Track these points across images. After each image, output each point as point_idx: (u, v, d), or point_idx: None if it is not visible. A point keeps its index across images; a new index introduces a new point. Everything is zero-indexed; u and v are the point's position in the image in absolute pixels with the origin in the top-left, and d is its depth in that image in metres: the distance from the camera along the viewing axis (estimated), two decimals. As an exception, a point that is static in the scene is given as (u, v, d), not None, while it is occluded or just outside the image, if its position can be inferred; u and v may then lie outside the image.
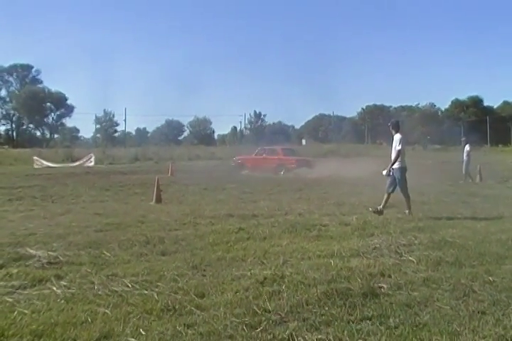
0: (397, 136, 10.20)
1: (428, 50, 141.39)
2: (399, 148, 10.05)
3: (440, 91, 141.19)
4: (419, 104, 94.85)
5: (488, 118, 73.92)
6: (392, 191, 10.21)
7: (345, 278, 5.34)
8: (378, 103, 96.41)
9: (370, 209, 9.95)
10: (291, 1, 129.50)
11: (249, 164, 27.49)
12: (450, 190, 15.64)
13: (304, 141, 64.38)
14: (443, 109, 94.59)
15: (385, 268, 5.75)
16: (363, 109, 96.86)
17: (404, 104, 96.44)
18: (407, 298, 4.68)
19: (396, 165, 10.15)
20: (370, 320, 4.16)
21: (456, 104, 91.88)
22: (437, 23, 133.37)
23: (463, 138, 23.47)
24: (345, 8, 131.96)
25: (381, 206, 9.96)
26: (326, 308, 4.42)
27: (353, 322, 4.09)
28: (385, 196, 10.11)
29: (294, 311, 4.35)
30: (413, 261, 6.05)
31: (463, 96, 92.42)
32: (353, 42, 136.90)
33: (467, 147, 20.23)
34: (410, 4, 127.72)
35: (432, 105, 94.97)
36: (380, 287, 5.03)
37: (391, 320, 4.14)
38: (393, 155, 10.16)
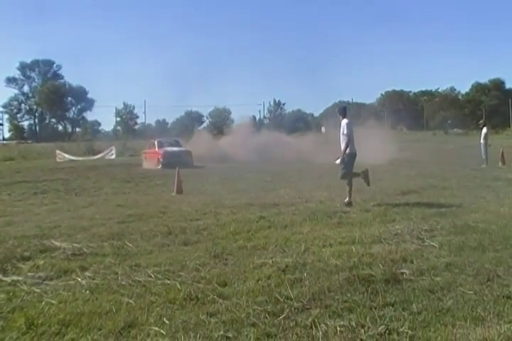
0: (343, 122, 9.87)
1: (447, 33, 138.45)
2: (345, 133, 9.72)
3: (460, 74, 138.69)
4: (439, 88, 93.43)
5: (510, 101, 72.43)
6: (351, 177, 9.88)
7: (367, 264, 5.33)
8: (397, 88, 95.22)
9: (339, 205, 9.55)
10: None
11: (144, 157, 26.30)
12: (472, 174, 15.41)
13: (323, 129, 63.89)
14: (463, 93, 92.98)
15: (407, 253, 5.72)
16: (382, 94, 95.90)
17: (424, 89, 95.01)
18: (429, 284, 4.65)
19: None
20: (392, 306, 4.15)
21: (477, 87, 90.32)
22: (458, 4, 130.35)
23: (480, 122, 23.05)
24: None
25: (348, 198, 9.62)
26: (348, 295, 4.42)
27: (375, 308, 4.08)
28: (347, 186, 9.75)
29: (316, 298, 4.36)
30: (435, 247, 6.01)
31: (484, 80, 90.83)
32: (369, 28, 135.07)
33: (484, 130, 19.89)
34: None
35: (453, 89, 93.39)
36: (402, 273, 5.01)
37: (414, 305, 4.12)
38: (342, 142, 9.78)
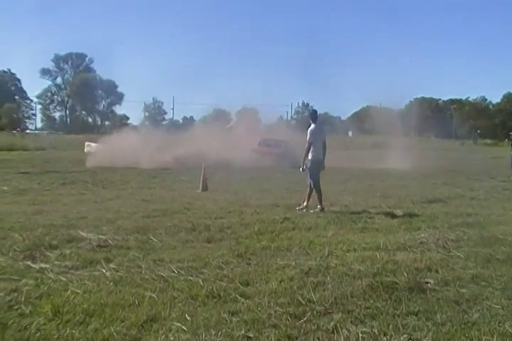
0: (310, 127, 9.75)
1: (478, 42, 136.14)
2: (307, 139, 9.59)
3: (491, 84, 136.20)
4: (469, 97, 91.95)
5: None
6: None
7: (391, 271, 5.28)
8: (427, 95, 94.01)
9: (312, 210, 9.33)
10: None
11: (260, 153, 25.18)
12: (501, 185, 15.13)
13: (350, 133, 63.54)
14: (494, 103, 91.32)
15: (432, 263, 5.65)
16: (410, 101, 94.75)
17: (453, 97, 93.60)
18: (455, 295, 4.58)
19: (308, 157, 9.63)
20: (416, 315, 4.10)
21: (509, 97, 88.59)
22: (491, 14, 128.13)
23: (511, 132, 22.69)
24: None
25: (319, 205, 9.47)
26: (371, 301, 4.39)
27: (398, 317, 4.04)
28: (316, 194, 9.62)
29: (339, 303, 4.34)
30: (461, 257, 5.92)
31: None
32: (400, 33, 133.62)
33: None
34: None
35: (483, 99, 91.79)
36: (427, 282, 4.94)
37: (438, 316, 4.07)
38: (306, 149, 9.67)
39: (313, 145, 9.62)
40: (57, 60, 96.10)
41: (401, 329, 3.80)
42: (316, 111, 10.58)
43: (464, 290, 4.70)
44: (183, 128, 30.73)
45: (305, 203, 9.51)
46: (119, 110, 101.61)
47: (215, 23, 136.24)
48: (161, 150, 21.85)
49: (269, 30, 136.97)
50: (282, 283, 4.85)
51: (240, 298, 4.44)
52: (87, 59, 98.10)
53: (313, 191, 9.63)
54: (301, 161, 9.74)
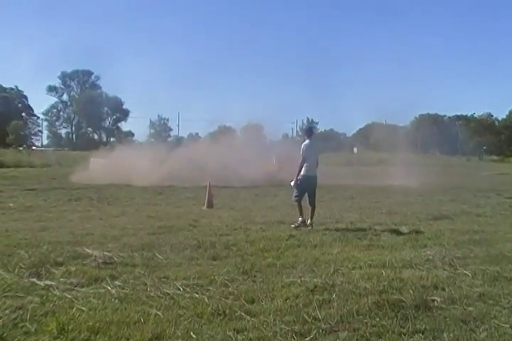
0: (304, 142, 9.82)
1: (483, 59, 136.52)
2: (301, 154, 9.60)
3: (497, 100, 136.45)
4: (474, 113, 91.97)
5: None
6: (310, 201, 9.76)
7: (397, 289, 5.25)
8: (432, 112, 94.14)
9: (292, 225, 9.40)
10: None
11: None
12: (508, 202, 15.02)
13: (355, 149, 63.50)
14: (500, 119, 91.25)
15: (439, 280, 5.61)
16: (416, 117, 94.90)
17: (459, 114, 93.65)
18: (461, 313, 4.54)
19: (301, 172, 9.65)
20: (422, 333, 4.07)
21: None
22: (493, 31, 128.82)
23: None
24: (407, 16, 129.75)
25: (308, 220, 9.46)
26: (377, 319, 4.36)
27: (404, 335, 4.02)
28: (297, 207, 9.71)
29: (345, 321, 4.32)
30: (468, 275, 5.87)
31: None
32: (406, 50, 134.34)
33: None
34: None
35: (489, 115, 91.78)
36: (433, 300, 4.91)
37: (445, 334, 4.03)
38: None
39: (305, 160, 9.64)
40: (64, 77, 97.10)
41: (408, 348, 3.77)
42: (312, 128, 10.81)
43: (471, 309, 4.67)
44: (187, 144, 30.48)
45: (309, 221, 9.48)
46: (125, 127, 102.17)
47: (220, 40, 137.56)
48: (165, 166, 21.82)
49: (274, 46, 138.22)
50: (288, 301, 4.84)
51: (245, 315, 4.42)
52: (93, 76, 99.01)
53: (298, 204, 9.72)
54: (295, 176, 9.73)
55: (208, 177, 15.61)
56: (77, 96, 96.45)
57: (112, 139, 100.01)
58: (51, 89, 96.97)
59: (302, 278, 5.62)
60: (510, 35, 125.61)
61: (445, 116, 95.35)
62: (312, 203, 9.75)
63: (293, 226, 9.35)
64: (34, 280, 5.42)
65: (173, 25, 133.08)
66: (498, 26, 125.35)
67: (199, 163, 21.83)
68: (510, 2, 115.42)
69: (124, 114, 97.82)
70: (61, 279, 5.49)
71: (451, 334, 4.03)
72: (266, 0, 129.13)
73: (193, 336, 3.96)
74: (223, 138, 27.71)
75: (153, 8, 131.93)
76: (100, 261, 6.34)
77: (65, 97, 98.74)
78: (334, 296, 4.98)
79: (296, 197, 9.76)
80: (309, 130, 10.49)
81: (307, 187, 9.73)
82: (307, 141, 9.84)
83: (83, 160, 27.84)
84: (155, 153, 24.18)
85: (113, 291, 5.10)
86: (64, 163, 39.95)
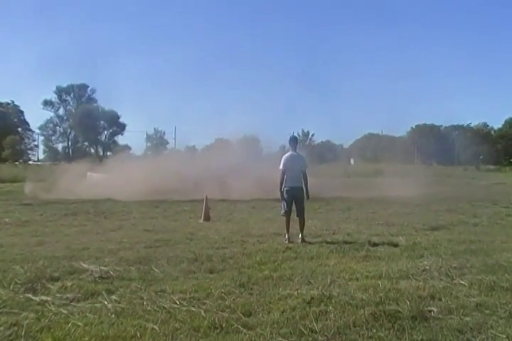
0: (284, 154, 9.74)
1: (479, 68, 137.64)
2: (280, 167, 9.49)
3: (492, 110, 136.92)
4: (470, 123, 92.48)
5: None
6: (297, 214, 9.55)
7: (394, 300, 5.25)
8: (428, 122, 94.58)
9: (286, 241, 9.16)
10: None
11: None
12: (504, 211, 15.05)
13: (352, 161, 63.68)
14: (496, 129, 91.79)
15: (435, 291, 5.62)
16: (412, 128, 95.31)
17: (455, 124, 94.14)
18: (458, 323, 4.54)
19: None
20: (419, 344, 4.07)
21: (511, 123, 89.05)
22: (490, 40, 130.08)
23: None
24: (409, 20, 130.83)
25: (300, 235, 9.32)
26: (374, 330, 4.36)
27: (401, 346, 4.01)
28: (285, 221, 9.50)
29: (341, 332, 4.31)
30: (465, 285, 5.88)
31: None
32: (402, 61, 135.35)
33: None
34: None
35: (485, 125, 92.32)
36: (430, 310, 4.91)
37: (442, 345, 4.03)
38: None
39: (285, 173, 9.43)
40: (60, 91, 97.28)
41: (405, 359, 3.76)
42: (296, 138, 10.45)
43: (467, 319, 4.67)
44: (182, 157, 30.21)
45: (300, 235, 9.34)
46: (122, 140, 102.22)
47: (215, 52, 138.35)
48: (160, 180, 21.72)
49: (271, 57, 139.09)
50: (284, 313, 4.83)
51: (242, 328, 4.42)
52: (88, 90, 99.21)
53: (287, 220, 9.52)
54: (278, 190, 9.55)
55: (204, 190, 15.58)
56: (73, 111, 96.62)
57: (108, 153, 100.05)
58: (47, 103, 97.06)
59: (299, 290, 5.61)
60: (505, 46, 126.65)
61: (441, 126, 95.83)
62: (301, 215, 9.55)
63: (286, 242, 9.15)
64: (29, 295, 5.39)
65: (169, 33, 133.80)
66: (494, 36, 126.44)
67: (195, 176, 21.80)
68: (505, 14, 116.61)
69: (121, 128, 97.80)
70: (57, 294, 5.46)
71: (448, 345, 4.03)
72: (258, 14, 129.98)
73: (190, 350, 3.94)
74: (219, 151, 27.75)
75: (145, 17, 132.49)
76: (96, 275, 6.32)
77: (61, 111, 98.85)
78: (331, 308, 4.98)
79: (284, 211, 9.57)
80: (293, 140, 10.11)
81: (292, 199, 9.53)
82: (288, 153, 9.73)
83: (79, 174, 27.75)
84: (151, 166, 24.13)
85: (109, 306, 5.08)
86: (60, 177, 39.84)
